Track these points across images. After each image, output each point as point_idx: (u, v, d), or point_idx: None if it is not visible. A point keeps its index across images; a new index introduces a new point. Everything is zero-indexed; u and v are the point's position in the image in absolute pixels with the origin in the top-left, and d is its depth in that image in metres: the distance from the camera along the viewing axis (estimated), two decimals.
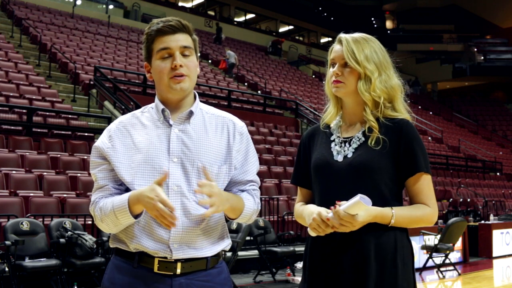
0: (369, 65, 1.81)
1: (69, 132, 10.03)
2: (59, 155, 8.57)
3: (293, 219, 8.58)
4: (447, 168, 17.87)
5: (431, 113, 26.80)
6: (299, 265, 7.74)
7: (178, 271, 1.67)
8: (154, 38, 1.74)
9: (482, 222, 11.03)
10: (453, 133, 24.16)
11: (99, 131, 9.80)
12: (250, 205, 1.78)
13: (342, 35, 1.87)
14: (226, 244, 1.80)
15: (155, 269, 1.67)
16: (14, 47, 14.24)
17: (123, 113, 10.18)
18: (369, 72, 1.80)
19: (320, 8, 33.46)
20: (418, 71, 33.09)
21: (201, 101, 1.86)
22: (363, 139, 1.82)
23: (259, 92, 17.62)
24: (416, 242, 8.67)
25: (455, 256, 9.48)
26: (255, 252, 7.77)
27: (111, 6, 23.17)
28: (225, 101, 14.54)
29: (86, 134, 10.20)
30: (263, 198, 8.81)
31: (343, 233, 1.71)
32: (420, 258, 8.70)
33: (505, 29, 33.26)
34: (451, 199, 13.96)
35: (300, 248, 7.84)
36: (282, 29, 32.77)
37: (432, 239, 8.63)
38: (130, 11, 23.95)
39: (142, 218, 1.68)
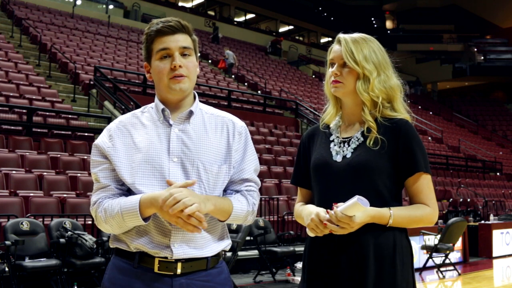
0: (368, 65, 1.81)
1: (69, 132, 10.03)
2: (59, 155, 8.57)
3: (293, 219, 8.57)
4: (447, 168, 17.87)
5: (431, 113, 26.80)
6: (299, 265, 7.74)
7: (179, 271, 1.67)
8: (154, 39, 1.74)
9: (482, 222, 11.03)
10: (453, 133, 24.16)
11: (99, 131, 9.79)
12: (241, 207, 1.75)
13: (341, 35, 1.87)
14: (226, 244, 1.80)
15: (156, 269, 1.67)
16: (14, 47, 14.25)
17: (123, 113, 10.16)
18: (368, 72, 1.80)
19: (320, 8, 33.47)
20: (418, 71, 33.09)
21: (201, 101, 1.86)
22: (362, 139, 1.82)
23: (259, 92, 17.62)
24: (416, 242, 8.67)
25: (455, 256, 9.48)
26: (255, 252, 7.77)
27: (111, 6, 23.17)
28: (225, 101, 14.54)
29: (86, 134, 10.20)
30: (263, 198, 8.81)
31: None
32: (420, 258, 8.71)
33: (505, 29, 33.27)
34: (451, 199, 13.96)
35: (300, 248, 7.83)
36: (282, 29, 32.77)
37: (432, 239, 8.63)
38: (130, 11, 23.95)
39: (148, 222, 1.68)
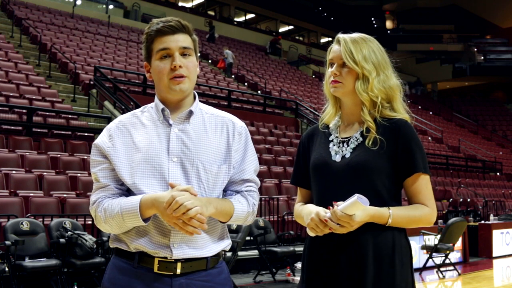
0: (367, 65, 1.81)
1: (69, 132, 10.03)
2: (59, 155, 8.57)
3: (293, 219, 8.57)
4: (447, 168, 17.87)
5: (431, 113, 26.80)
6: (299, 265, 7.73)
7: (178, 271, 1.67)
8: (154, 38, 1.74)
9: (482, 222, 11.03)
10: (453, 133, 24.16)
11: (99, 131, 9.76)
12: (242, 208, 1.76)
13: (340, 35, 1.87)
14: (226, 244, 1.80)
15: (155, 269, 1.67)
16: (14, 47, 14.25)
17: (123, 113, 10.14)
18: (367, 72, 1.80)
19: (320, 8, 33.46)
20: (418, 71, 33.08)
21: (201, 101, 1.86)
22: (361, 139, 1.82)
23: (259, 92, 17.62)
24: (416, 242, 8.67)
25: (455, 256, 9.48)
26: (255, 252, 7.77)
27: (111, 6, 23.16)
28: (225, 101, 14.54)
29: (86, 134, 10.20)
30: (263, 198, 8.81)
31: (340, 233, 1.71)
32: (420, 258, 8.71)
33: (505, 29, 33.26)
34: (451, 199, 13.96)
35: (300, 248, 7.83)
36: (282, 29, 32.77)
37: (432, 239, 8.63)
38: (130, 11, 23.95)
39: (148, 222, 1.68)
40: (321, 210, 1.72)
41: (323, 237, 1.77)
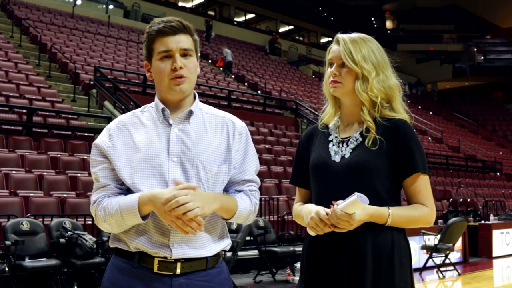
0: (367, 65, 1.80)
1: (69, 132, 10.03)
2: (59, 155, 8.57)
3: (293, 219, 8.59)
4: (447, 168, 17.87)
5: (431, 113, 26.80)
6: (299, 265, 7.74)
7: (178, 271, 1.67)
8: (155, 39, 1.74)
9: (482, 222, 11.03)
10: (453, 133, 24.16)
11: (99, 131, 9.75)
12: (245, 206, 1.76)
13: (339, 35, 1.87)
14: (226, 244, 1.80)
15: (155, 269, 1.67)
16: (14, 47, 14.25)
17: (123, 113, 10.14)
18: (367, 72, 1.80)
19: (320, 8, 33.46)
20: (418, 71, 33.09)
21: (201, 101, 1.86)
22: (360, 139, 1.82)
23: (259, 92, 17.62)
24: (416, 242, 8.67)
25: (455, 256, 9.48)
26: (255, 252, 7.77)
27: (111, 6, 23.16)
28: (225, 101, 14.55)
29: (86, 134, 10.20)
30: (263, 198, 8.81)
31: (340, 232, 1.71)
32: (420, 258, 8.71)
33: (505, 29, 33.26)
34: (451, 199, 13.96)
35: (300, 248, 7.83)
36: (282, 29, 32.77)
37: (432, 239, 8.63)
38: (130, 11, 23.95)
39: (146, 220, 1.68)
40: (321, 209, 1.72)
41: (322, 237, 1.77)
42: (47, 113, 10.04)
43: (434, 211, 1.79)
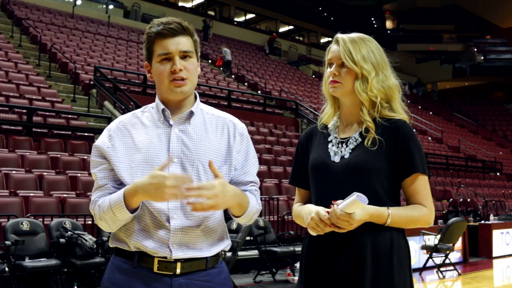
0: (366, 65, 1.80)
1: (69, 132, 10.03)
2: (59, 155, 8.57)
3: (293, 219, 8.59)
4: (447, 168, 17.87)
5: (431, 113, 26.80)
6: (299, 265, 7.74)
7: (178, 271, 1.67)
8: (154, 41, 1.73)
9: (482, 222, 11.03)
10: (453, 133, 24.16)
11: (99, 131, 9.80)
12: (253, 204, 1.78)
13: (339, 35, 1.87)
14: (226, 244, 1.81)
15: (155, 269, 1.67)
16: (14, 47, 14.25)
17: (123, 113, 10.15)
18: (366, 72, 1.80)
19: (320, 8, 33.46)
20: (418, 71, 33.10)
21: (201, 101, 1.86)
22: (360, 139, 1.82)
23: (259, 92, 17.62)
24: (416, 242, 8.67)
25: (455, 256, 9.48)
26: (255, 252, 7.77)
27: (111, 6, 23.16)
28: (225, 101, 14.54)
29: (86, 134, 10.20)
30: (263, 198, 8.81)
31: (339, 233, 1.71)
32: (420, 258, 8.71)
33: (505, 29, 33.26)
34: (451, 199, 13.96)
35: (300, 248, 7.83)
36: (282, 29, 32.77)
37: (432, 239, 8.63)
38: (130, 11, 23.95)
39: (141, 218, 1.68)
40: (321, 209, 1.72)
41: (321, 237, 1.77)
42: (47, 113, 10.04)
43: (433, 211, 1.79)
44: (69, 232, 5.84)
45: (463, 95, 35.06)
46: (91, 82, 12.26)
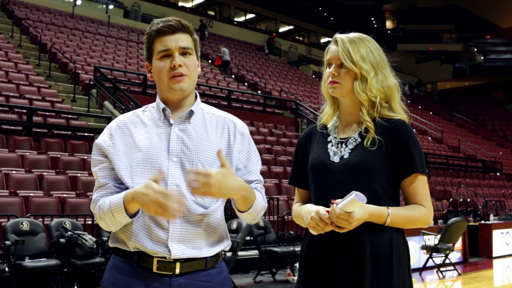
0: (365, 65, 1.80)
1: (69, 132, 10.03)
2: (59, 155, 8.57)
3: (293, 219, 8.58)
4: (447, 168, 17.87)
5: (431, 113, 26.80)
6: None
7: (177, 271, 1.67)
8: (154, 39, 1.74)
9: (482, 222, 11.03)
10: (453, 133, 24.16)
11: (99, 131, 9.79)
12: (260, 200, 1.77)
13: (337, 35, 1.87)
14: (226, 245, 1.80)
15: (154, 269, 1.67)
16: (14, 47, 14.25)
17: (123, 113, 10.15)
18: (365, 72, 1.80)
19: (320, 8, 33.46)
20: (418, 71, 33.09)
21: (201, 101, 1.86)
22: (359, 139, 1.82)
23: (259, 92, 17.62)
24: (416, 242, 8.67)
25: (455, 256, 9.48)
26: (255, 252, 7.77)
27: (111, 6, 23.16)
28: (225, 101, 14.54)
29: (86, 134, 10.20)
30: None
31: (339, 233, 1.70)
32: (420, 258, 8.71)
33: (505, 29, 33.26)
34: (451, 199, 13.96)
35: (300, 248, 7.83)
36: (282, 29, 32.77)
37: (432, 239, 8.63)
38: (130, 11, 23.94)
39: (140, 218, 1.68)
40: (321, 208, 1.72)
41: (321, 237, 1.77)
42: (47, 113, 10.04)
43: (431, 211, 1.79)
44: (69, 232, 5.84)
45: (463, 95, 35.05)
46: (91, 82, 12.26)
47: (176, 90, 1.72)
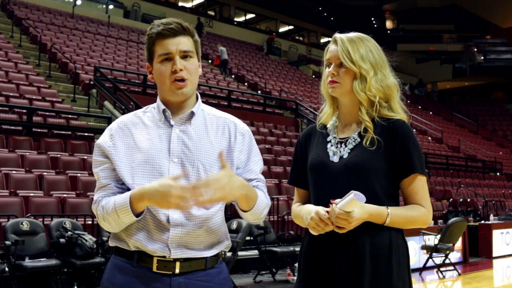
0: (365, 65, 1.80)
1: (69, 132, 10.03)
2: (59, 155, 8.57)
3: (292, 219, 8.57)
4: (447, 168, 17.87)
5: (431, 113, 26.80)
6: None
7: (177, 270, 1.68)
8: (155, 41, 1.74)
9: (482, 222, 11.03)
10: (453, 133, 24.16)
11: (99, 131, 9.80)
12: (262, 198, 1.77)
13: (337, 35, 1.87)
14: (226, 245, 1.81)
15: (154, 269, 1.68)
16: (14, 47, 14.25)
17: (123, 113, 10.18)
18: (365, 71, 1.80)
19: (320, 8, 33.46)
20: (418, 71, 33.09)
21: (201, 101, 1.86)
22: (358, 139, 1.82)
23: (259, 92, 17.62)
24: (416, 242, 8.67)
25: (455, 256, 9.48)
26: (255, 252, 7.77)
27: (111, 6, 23.16)
28: (225, 101, 14.54)
29: (86, 134, 10.20)
30: None
31: (338, 232, 1.70)
32: (420, 258, 8.71)
33: (505, 29, 33.26)
34: (451, 199, 13.95)
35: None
36: (282, 29, 32.77)
37: (432, 239, 8.63)
38: (130, 11, 23.94)
39: (140, 217, 1.68)
40: (320, 209, 1.72)
41: (321, 237, 1.77)
42: (47, 113, 10.04)
43: (431, 212, 1.79)
44: (69, 232, 5.84)
45: (463, 95, 35.05)
46: (91, 82, 12.26)
47: (178, 94, 1.73)
